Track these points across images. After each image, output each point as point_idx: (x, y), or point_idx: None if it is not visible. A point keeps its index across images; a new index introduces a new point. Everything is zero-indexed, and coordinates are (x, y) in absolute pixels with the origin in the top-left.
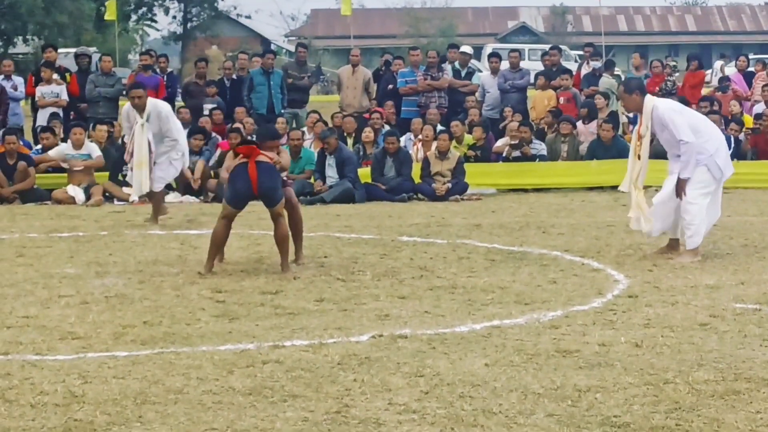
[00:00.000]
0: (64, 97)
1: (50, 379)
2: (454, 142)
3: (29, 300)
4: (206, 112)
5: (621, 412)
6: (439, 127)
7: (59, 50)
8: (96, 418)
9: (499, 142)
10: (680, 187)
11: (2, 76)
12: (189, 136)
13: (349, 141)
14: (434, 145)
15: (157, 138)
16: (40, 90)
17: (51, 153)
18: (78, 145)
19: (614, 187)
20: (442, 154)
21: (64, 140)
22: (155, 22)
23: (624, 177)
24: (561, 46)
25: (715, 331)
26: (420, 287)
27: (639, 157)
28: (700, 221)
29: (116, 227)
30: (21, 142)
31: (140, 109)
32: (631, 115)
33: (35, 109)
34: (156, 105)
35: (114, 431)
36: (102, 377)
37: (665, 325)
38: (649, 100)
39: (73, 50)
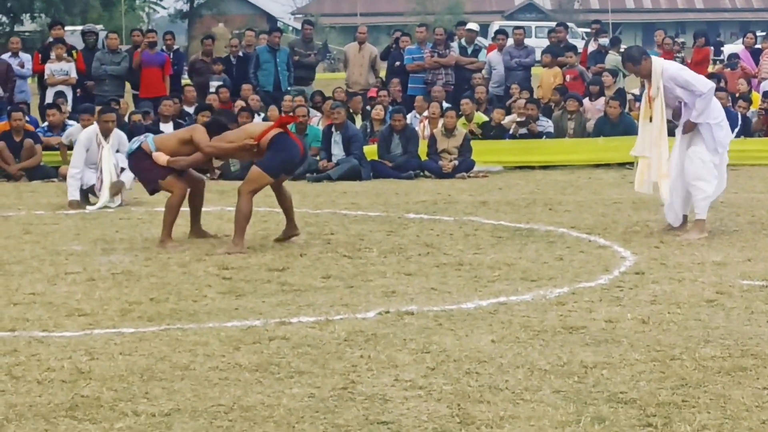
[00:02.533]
0: (74, 74)
1: (57, 355)
2: (462, 120)
3: (36, 277)
4: (213, 90)
5: (627, 388)
6: (446, 105)
7: (66, 28)
8: (103, 394)
9: (506, 119)
10: (688, 127)
11: (9, 54)
12: (196, 113)
13: (357, 119)
14: (441, 122)
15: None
16: (50, 67)
17: (63, 138)
18: None
19: (621, 164)
20: (449, 132)
21: (70, 117)
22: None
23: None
24: (567, 24)
25: (722, 308)
26: (426, 264)
27: (650, 120)
28: (710, 178)
29: (122, 204)
30: (28, 119)
31: (109, 132)
32: (637, 92)
33: (43, 86)
34: (117, 132)
35: (121, 407)
36: (109, 354)
37: (672, 301)
38: (657, 62)
39: (79, 28)
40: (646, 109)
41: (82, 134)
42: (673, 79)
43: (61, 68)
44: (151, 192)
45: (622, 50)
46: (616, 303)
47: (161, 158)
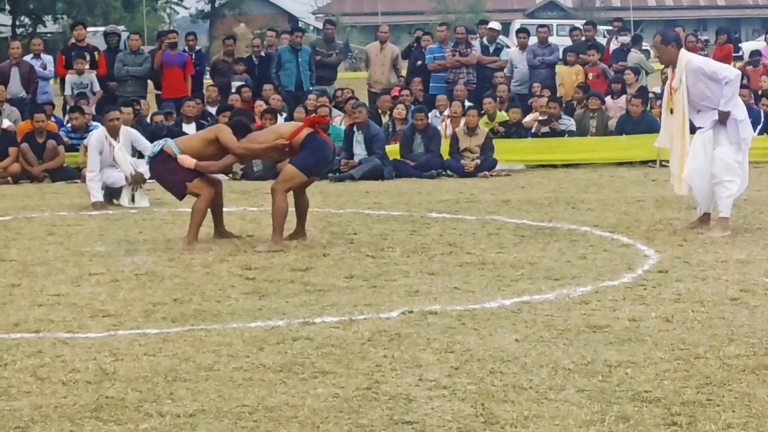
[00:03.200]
0: (97, 88)
1: (81, 356)
2: (484, 119)
3: (60, 278)
4: (234, 90)
5: (652, 387)
6: (468, 103)
7: (88, 29)
8: (127, 395)
9: (528, 118)
10: (722, 117)
11: (31, 55)
12: (218, 113)
13: (384, 119)
14: (463, 121)
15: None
16: (71, 81)
17: (85, 141)
18: None
19: (644, 162)
20: (471, 131)
21: (94, 118)
22: (183, 0)
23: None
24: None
25: (746, 306)
26: (449, 263)
27: (671, 111)
28: (734, 178)
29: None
30: (53, 119)
31: (117, 131)
32: (658, 90)
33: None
34: (126, 129)
35: (145, 408)
36: (133, 354)
37: (696, 300)
38: (684, 54)
39: (101, 29)
40: (667, 100)
41: (92, 138)
42: (700, 70)
43: (81, 81)
44: (180, 197)
45: (644, 48)
46: (640, 301)
47: (187, 161)
